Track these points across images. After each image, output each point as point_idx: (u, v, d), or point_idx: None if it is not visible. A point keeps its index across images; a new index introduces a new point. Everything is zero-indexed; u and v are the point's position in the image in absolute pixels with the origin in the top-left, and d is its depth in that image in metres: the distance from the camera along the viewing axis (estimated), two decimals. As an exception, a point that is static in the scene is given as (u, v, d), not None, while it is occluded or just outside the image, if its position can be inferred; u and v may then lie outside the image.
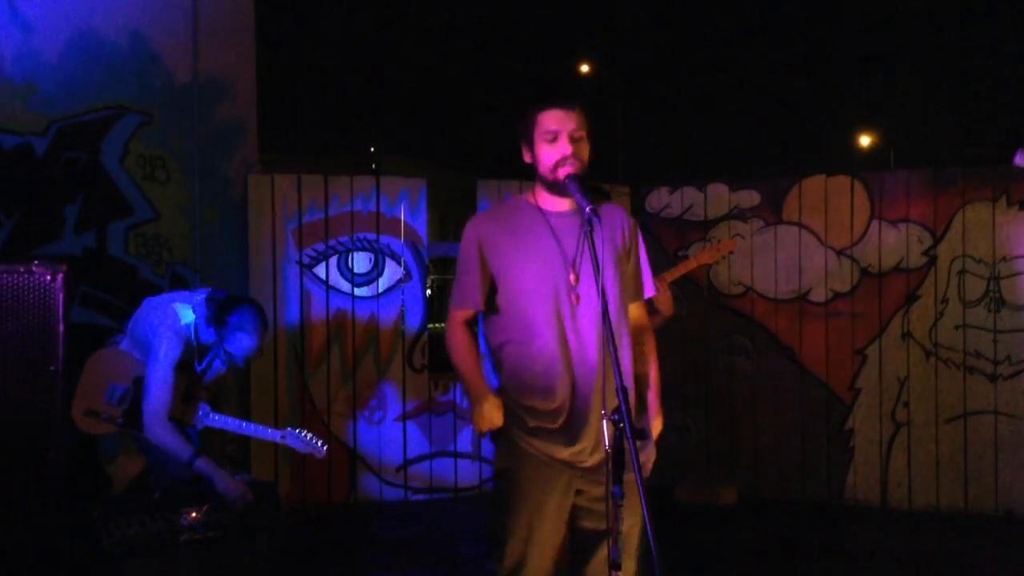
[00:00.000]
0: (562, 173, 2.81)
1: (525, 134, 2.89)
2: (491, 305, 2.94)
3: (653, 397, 3.02)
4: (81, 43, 5.63)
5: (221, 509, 3.73)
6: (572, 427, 2.84)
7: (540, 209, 2.92)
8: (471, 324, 3.01)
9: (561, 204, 2.91)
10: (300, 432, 4.33)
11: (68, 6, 5.59)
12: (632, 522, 2.79)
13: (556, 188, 2.86)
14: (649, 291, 3.05)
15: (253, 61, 6.31)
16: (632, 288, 3.00)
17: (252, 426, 4.40)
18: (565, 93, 2.90)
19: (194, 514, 3.67)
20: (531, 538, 2.83)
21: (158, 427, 4.04)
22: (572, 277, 2.84)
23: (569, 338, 2.83)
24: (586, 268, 2.84)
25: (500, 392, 2.93)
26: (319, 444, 4.34)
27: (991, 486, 5.95)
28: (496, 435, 2.92)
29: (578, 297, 2.83)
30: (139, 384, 4.23)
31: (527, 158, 2.92)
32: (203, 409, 4.29)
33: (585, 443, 2.84)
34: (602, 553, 2.82)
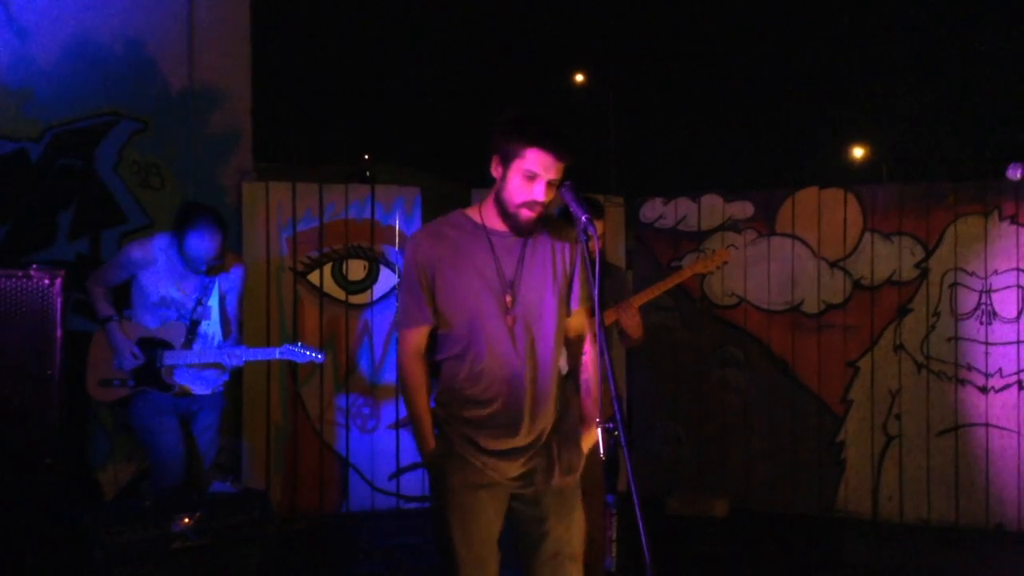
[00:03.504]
0: (524, 214, 2.78)
1: (502, 152, 2.79)
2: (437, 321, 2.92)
3: (591, 404, 2.98)
4: (77, 49, 5.62)
5: (213, 517, 3.72)
6: (512, 443, 2.86)
7: (484, 227, 2.87)
8: (423, 348, 2.93)
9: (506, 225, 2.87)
10: (296, 345, 4.67)
11: (65, 12, 5.59)
12: (567, 523, 2.89)
13: (511, 220, 2.82)
14: (574, 304, 2.99)
15: (248, 69, 6.31)
16: (569, 302, 2.99)
17: (251, 351, 4.71)
18: (562, 139, 2.75)
19: (186, 521, 3.66)
20: (470, 544, 2.84)
21: (92, 284, 4.55)
22: (509, 299, 2.83)
23: (507, 357, 2.84)
24: (524, 290, 2.85)
25: (439, 403, 2.93)
26: (316, 353, 4.68)
27: (982, 499, 5.96)
28: (437, 441, 2.94)
29: (514, 319, 2.83)
30: (143, 343, 4.52)
31: (494, 172, 2.83)
32: (201, 339, 4.60)
33: (522, 458, 2.87)
34: (546, 549, 2.89)
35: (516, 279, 2.85)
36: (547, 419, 2.91)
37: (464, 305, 2.84)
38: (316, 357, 4.70)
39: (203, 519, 3.68)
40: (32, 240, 5.50)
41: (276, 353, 4.66)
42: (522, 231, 2.84)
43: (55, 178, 5.55)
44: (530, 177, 2.74)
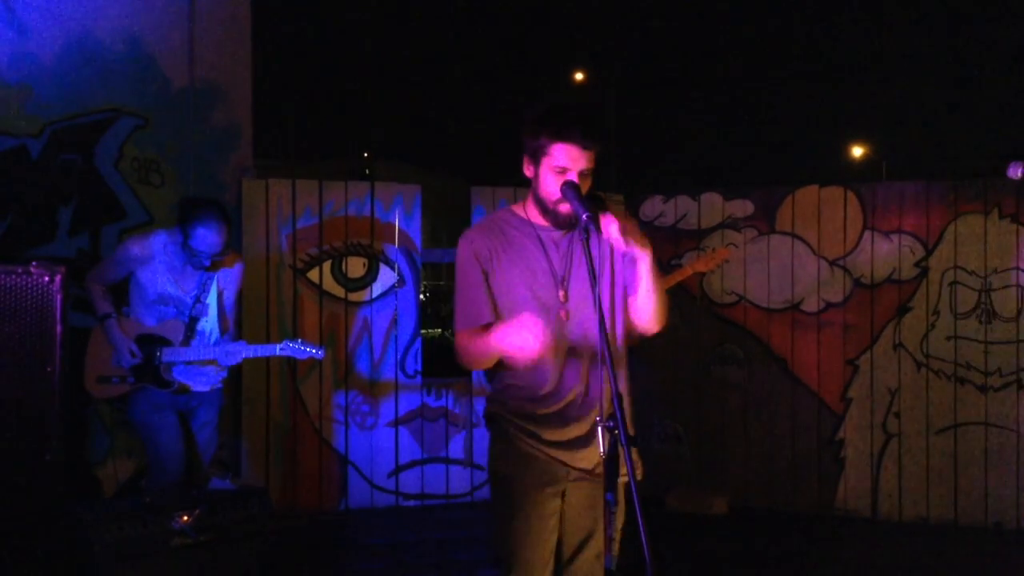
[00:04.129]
0: (563, 208, 2.77)
1: (532, 152, 2.80)
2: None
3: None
4: (77, 46, 5.61)
5: (212, 514, 3.72)
6: (568, 436, 2.86)
7: (531, 223, 2.89)
8: None
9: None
10: (296, 342, 4.67)
11: (65, 9, 5.58)
12: (600, 522, 2.84)
13: (552, 216, 2.83)
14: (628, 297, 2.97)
15: (249, 66, 6.30)
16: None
17: (251, 347, 4.68)
18: (586, 129, 2.74)
19: (185, 518, 3.66)
20: (534, 541, 2.84)
21: (90, 281, 4.55)
22: (561, 294, 2.83)
23: (561, 353, 2.82)
24: (575, 285, 2.84)
25: (493, 401, 2.95)
26: (316, 350, 4.69)
27: (981, 497, 5.96)
28: (492, 437, 2.94)
29: (568, 313, 2.83)
30: (142, 341, 4.50)
31: (527, 173, 2.85)
32: (200, 336, 4.60)
33: (585, 449, 2.87)
34: (583, 557, 2.88)
35: (567, 274, 2.85)
36: (601, 409, 2.84)
37: (518, 299, 2.83)
38: (316, 353, 4.70)
39: (202, 516, 3.68)
40: (32, 236, 5.50)
41: (276, 350, 4.65)
42: (563, 225, 2.84)
43: (55, 174, 5.55)
44: (560, 172, 2.74)
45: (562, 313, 2.83)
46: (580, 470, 2.88)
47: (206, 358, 4.57)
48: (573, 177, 2.74)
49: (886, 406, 6.19)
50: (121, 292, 4.65)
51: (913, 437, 6.13)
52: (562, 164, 2.74)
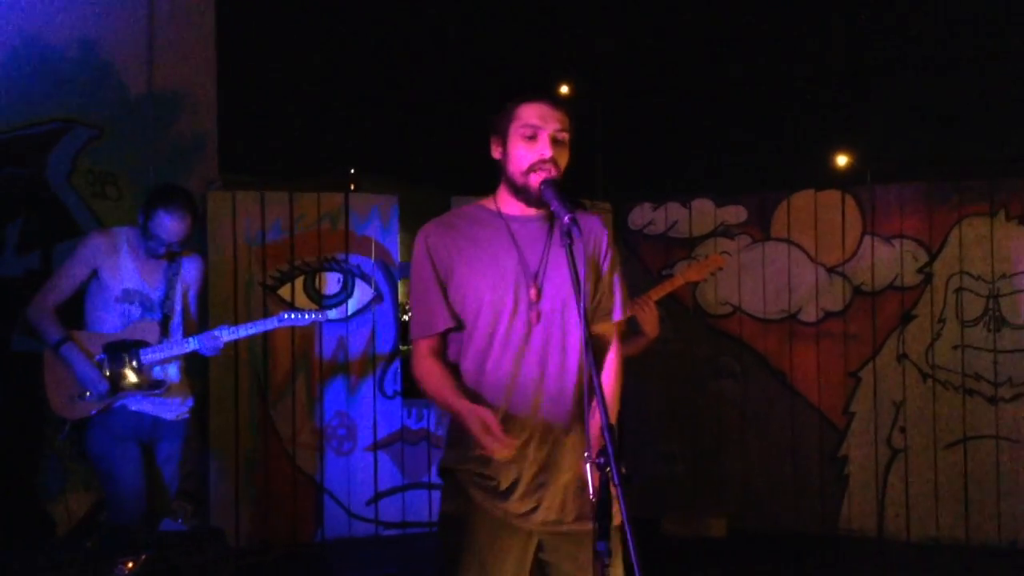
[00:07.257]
0: (534, 179, 2.48)
1: (498, 127, 2.54)
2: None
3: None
4: (25, 52, 5.26)
5: (161, 559, 3.38)
6: (528, 474, 2.49)
7: (501, 214, 2.58)
8: (441, 351, 2.60)
9: (527, 209, 2.58)
10: (293, 311, 4.49)
11: (11, 12, 5.24)
12: None
13: (524, 193, 2.53)
14: (617, 314, 2.67)
15: (213, 73, 6.00)
16: (604, 307, 2.65)
17: (250, 325, 4.39)
18: (552, 89, 2.58)
19: (130, 564, 3.32)
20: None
21: (33, 309, 4.15)
22: (533, 292, 2.50)
23: (527, 359, 2.50)
24: (550, 283, 2.52)
25: (449, 449, 2.59)
26: (318, 314, 4.55)
27: (993, 515, 5.69)
28: (443, 473, 2.59)
29: (539, 315, 2.50)
30: (113, 348, 4.13)
31: (496, 154, 2.57)
32: (174, 335, 4.28)
33: (542, 497, 2.50)
34: None
35: (541, 270, 2.53)
36: (576, 439, 2.51)
37: (480, 302, 2.51)
38: (319, 317, 4.51)
39: (148, 562, 3.34)
40: (-24, 255, 5.16)
41: (274, 323, 4.34)
42: (536, 202, 2.52)
43: (2, 188, 5.21)
44: (531, 136, 2.49)
45: (532, 315, 2.50)
46: (539, 524, 2.52)
47: (185, 351, 4.22)
48: (544, 139, 2.48)
49: (891, 420, 5.92)
50: (71, 310, 4.25)
51: (920, 452, 5.86)
52: (532, 123, 2.49)
